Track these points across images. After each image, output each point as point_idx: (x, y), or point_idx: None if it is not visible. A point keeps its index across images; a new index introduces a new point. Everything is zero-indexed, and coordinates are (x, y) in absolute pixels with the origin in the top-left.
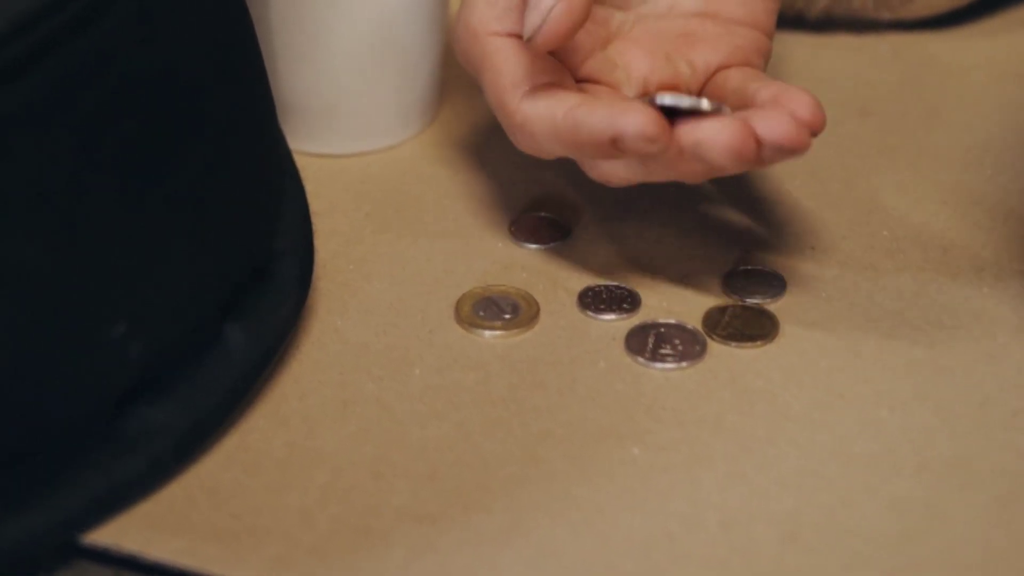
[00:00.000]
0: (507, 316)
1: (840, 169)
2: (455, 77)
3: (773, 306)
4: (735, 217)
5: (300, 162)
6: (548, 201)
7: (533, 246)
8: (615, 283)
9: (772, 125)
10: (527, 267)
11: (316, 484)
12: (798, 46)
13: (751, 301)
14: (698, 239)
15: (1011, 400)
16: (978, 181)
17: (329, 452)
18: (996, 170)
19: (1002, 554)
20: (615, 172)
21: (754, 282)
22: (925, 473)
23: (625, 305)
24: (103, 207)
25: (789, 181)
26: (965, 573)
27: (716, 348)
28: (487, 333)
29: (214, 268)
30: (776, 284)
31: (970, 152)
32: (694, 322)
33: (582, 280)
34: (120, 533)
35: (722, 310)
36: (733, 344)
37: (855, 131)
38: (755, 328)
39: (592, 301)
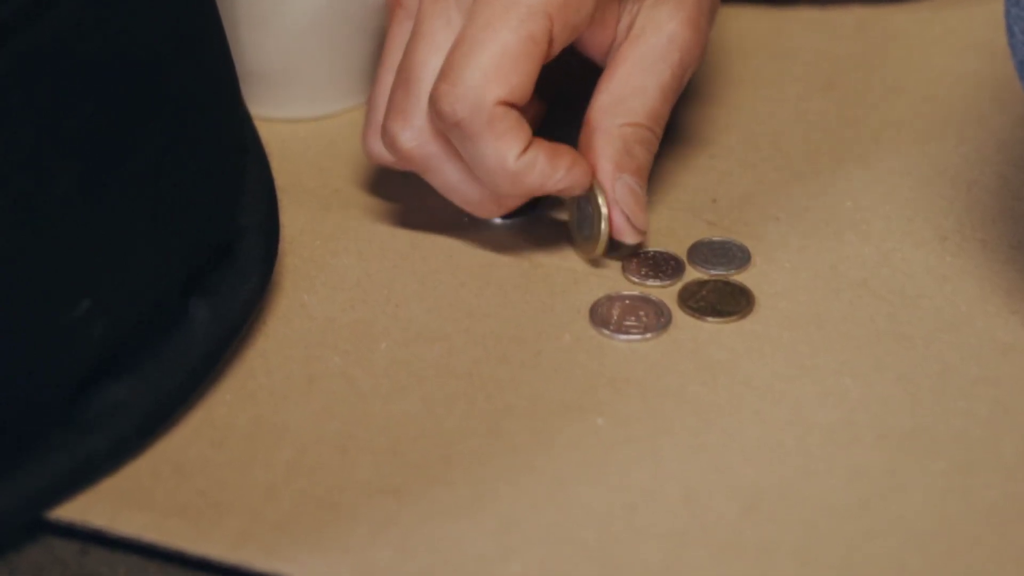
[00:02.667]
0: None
1: (804, 141)
2: None
3: (738, 277)
4: (700, 189)
5: (264, 133)
6: None
7: (498, 220)
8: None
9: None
10: (492, 241)
11: (281, 459)
12: (762, 20)
13: (715, 272)
14: (664, 211)
15: (971, 369)
16: (941, 152)
17: (294, 427)
18: (959, 141)
19: (961, 522)
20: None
21: (718, 254)
22: (885, 442)
23: (592, 279)
24: (64, 189)
25: (754, 153)
26: (924, 541)
27: (681, 320)
28: None
29: (178, 246)
30: (741, 256)
31: (933, 124)
32: (668, 295)
33: (550, 254)
34: (86, 509)
35: (701, 284)
36: (709, 319)
37: (819, 104)
38: (730, 304)
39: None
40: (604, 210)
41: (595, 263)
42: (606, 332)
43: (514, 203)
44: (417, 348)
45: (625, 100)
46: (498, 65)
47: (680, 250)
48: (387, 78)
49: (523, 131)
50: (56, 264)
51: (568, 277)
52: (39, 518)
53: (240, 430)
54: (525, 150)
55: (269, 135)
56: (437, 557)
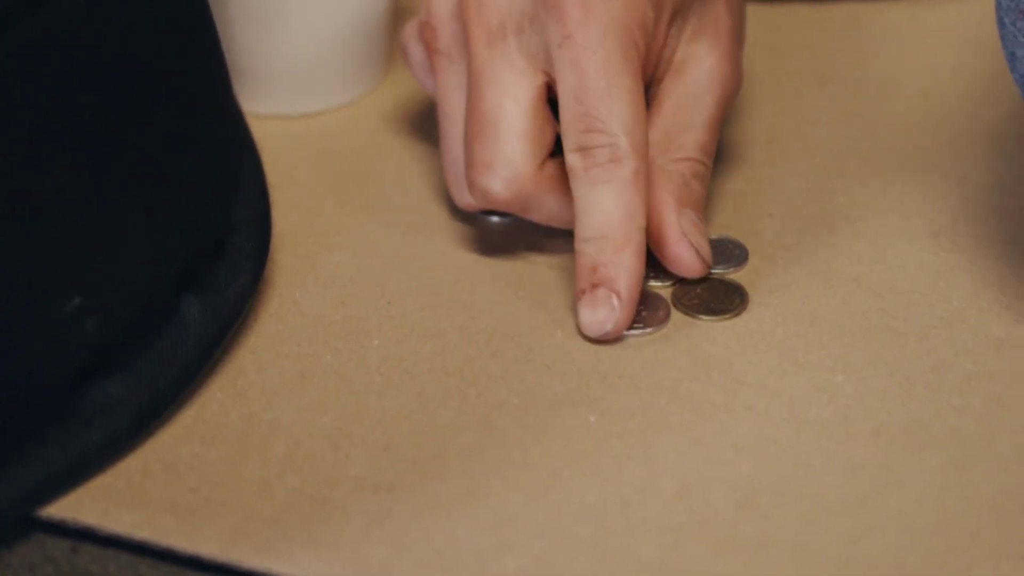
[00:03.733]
0: None
1: (798, 137)
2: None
3: (735, 275)
4: None
5: (257, 130)
6: None
7: (495, 219)
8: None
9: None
10: (485, 238)
11: (274, 455)
12: (756, 16)
13: (714, 271)
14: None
15: (965, 364)
16: (935, 147)
17: (287, 423)
18: (953, 136)
19: (957, 516)
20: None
21: (716, 252)
22: (880, 438)
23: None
24: (58, 183)
25: (748, 149)
26: (921, 536)
27: (675, 315)
28: None
29: (170, 241)
30: (739, 254)
31: (927, 119)
32: (663, 292)
33: (542, 251)
34: (77, 506)
35: (696, 281)
36: (703, 317)
37: (814, 100)
38: (723, 302)
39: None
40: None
41: None
42: None
43: None
44: (410, 345)
45: (676, 137)
46: (636, 109)
47: None
48: (452, 129)
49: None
50: (48, 259)
51: (561, 274)
52: (30, 515)
53: (232, 427)
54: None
55: (262, 132)
56: (431, 552)
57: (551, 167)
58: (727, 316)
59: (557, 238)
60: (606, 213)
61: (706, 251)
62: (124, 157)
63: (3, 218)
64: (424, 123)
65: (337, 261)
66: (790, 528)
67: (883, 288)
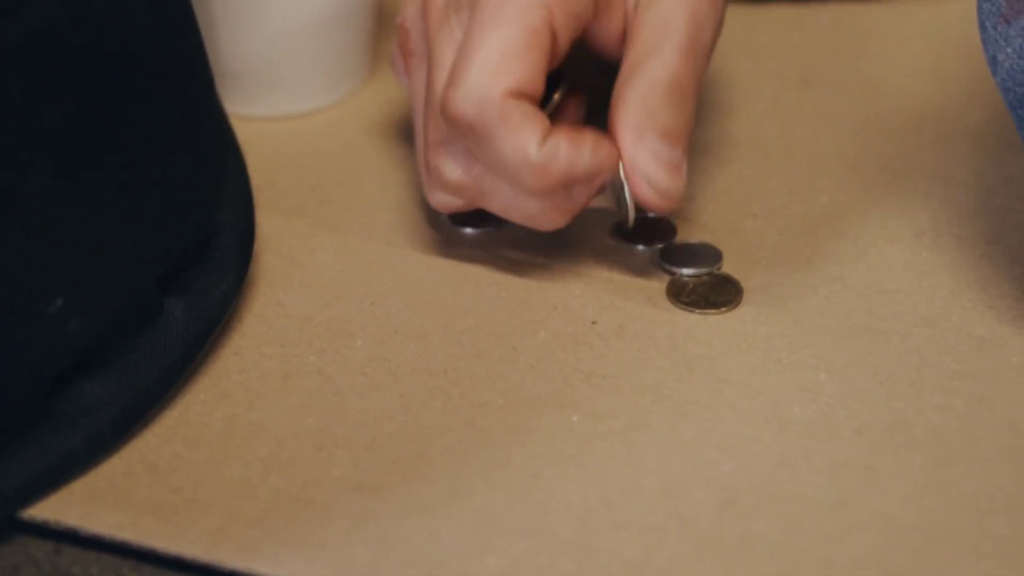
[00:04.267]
0: None
1: (781, 138)
2: (384, 35)
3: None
4: None
5: (240, 132)
6: None
7: (469, 230)
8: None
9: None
10: (468, 239)
11: (257, 456)
12: (737, 17)
13: (687, 272)
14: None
15: (948, 363)
16: (917, 148)
17: (270, 424)
18: (935, 137)
19: (940, 515)
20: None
21: (688, 255)
22: (862, 437)
23: (568, 275)
24: (40, 184)
25: (730, 150)
26: (903, 535)
27: (659, 314)
28: None
29: (153, 242)
30: (711, 257)
31: (909, 120)
32: (655, 292)
33: (525, 251)
34: (60, 507)
35: (689, 277)
36: (697, 311)
37: (795, 101)
38: (721, 295)
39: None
40: (624, 181)
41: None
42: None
43: (569, 204)
44: (393, 345)
45: (639, 64)
46: (500, 58)
47: (652, 251)
48: (422, 127)
49: (539, 120)
50: (31, 260)
51: (544, 273)
52: (12, 517)
53: (215, 428)
54: (545, 139)
55: (245, 133)
56: (414, 553)
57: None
58: (726, 308)
59: (540, 239)
60: (514, 168)
61: (664, 184)
62: (107, 158)
63: None
64: (407, 125)
65: (321, 262)
66: (773, 527)
67: (866, 287)
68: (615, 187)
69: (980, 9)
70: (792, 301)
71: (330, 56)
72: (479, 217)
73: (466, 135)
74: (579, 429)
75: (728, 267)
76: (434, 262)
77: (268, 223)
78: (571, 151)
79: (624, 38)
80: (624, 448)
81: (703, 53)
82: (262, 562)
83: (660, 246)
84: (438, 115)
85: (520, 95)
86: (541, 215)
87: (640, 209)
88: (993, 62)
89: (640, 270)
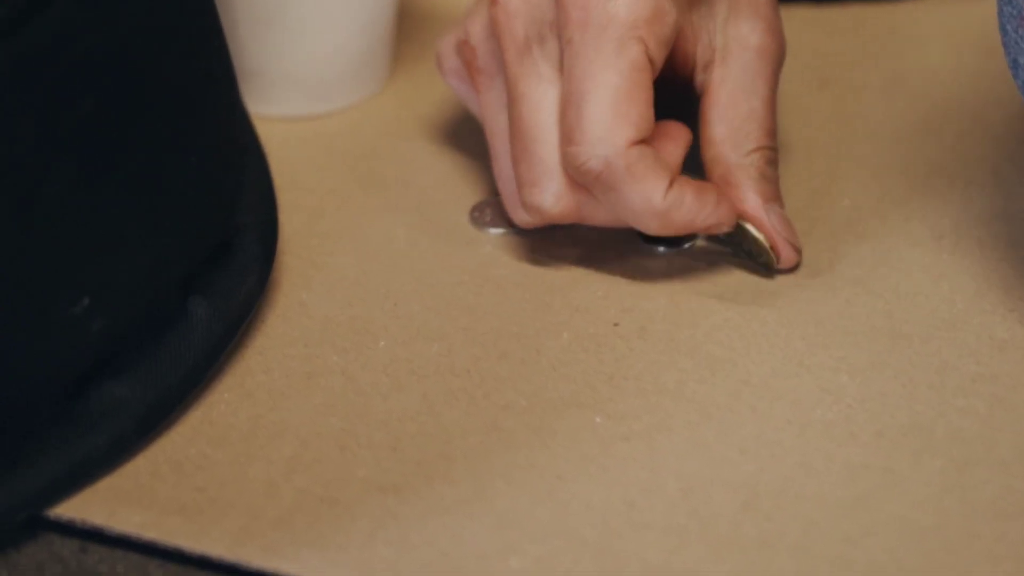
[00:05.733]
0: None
1: (801, 139)
2: (405, 35)
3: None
4: None
5: (262, 132)
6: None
7: (495, 231)
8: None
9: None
10: (490, 239)
11: (281, 456)
12: None
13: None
14: None
15: (969, 366)
16: (937, 150)
17: (294, 424)
18: (955, 139)
19: (959, 518)
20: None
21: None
22: (883, 439)
23: (591, 277)
24: (63, 185)
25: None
26: (922, 537)
27: (680, 315)
28: None
29: (176, 243)
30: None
31: (930, 122)
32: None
33: (548, 253)
34: (86, 506)
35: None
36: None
37: (815, 102)
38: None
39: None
40: (761, 238)
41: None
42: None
43: (678, 220)
44: (416, 346)
45: (741, 128)
46: (614, 109)
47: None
48: (501, 148)
49: (663, 168)
50: (55, 262)
51: (566, 275)
52: (39, 516)
53: (239, 428)
54: (670, 187)
55: (267, 134)
56: (437, 553)
57: None
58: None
59: (561, 239)
60: (637, 214)
61: (798, 241)
62: (129, 160)
63: (10, 221)
64: (428, 125)
65: (343, 263)
66: (793, 529)
67: (887, 290)
68: (741, 247)
69: (1001, 12)
70: (813, 304)
71: (352, 57)
72: (504, 217)
73: (592, 186)
74: (601, 430)
75: (748, 270)
76: (456, 263)
77: (290, 224)
78: (696, 203)
79: (690, 66)
80: (646, 449)
81: (776, 81)
82: (285, 562)
83: (686, 246)
84: (534, 151)
85: (640, 141)
86: (634, 230)
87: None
88: (1014, 65)
89: (663, 272)
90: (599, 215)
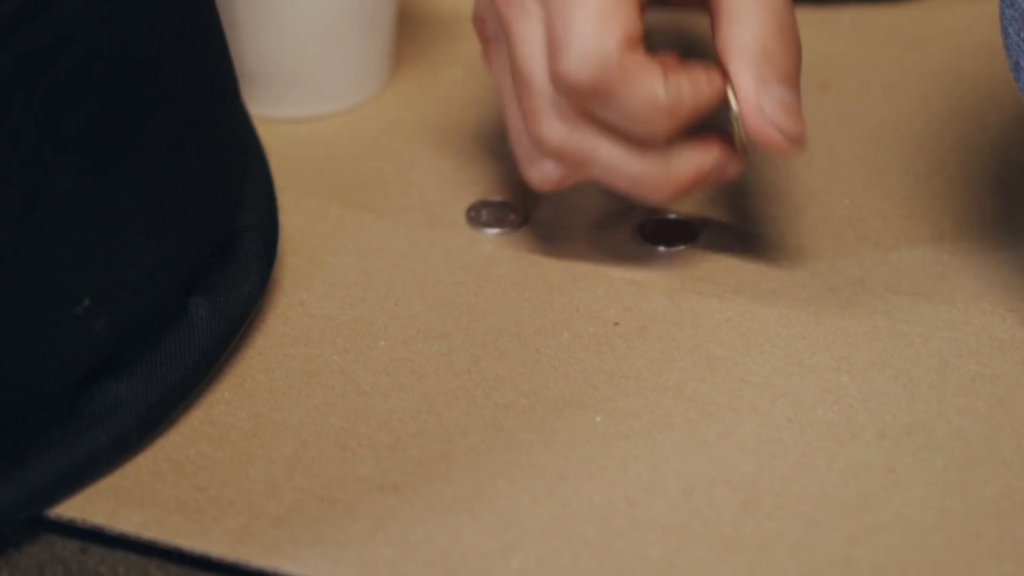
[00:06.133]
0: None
1: None
2: (406, 36)
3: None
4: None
5: (263, 133)
6: (503, 185)
7: (492, 231)
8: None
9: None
10: (490, 239)
11: (281, 456)
12: None
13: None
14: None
15: (970, 366)
16: (938, 151)
17: (294, 424)
18: (956, 140)
19: (960, 517)
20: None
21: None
22: (884, 439)
23: (591, 276)
24: (66, 185)
25: (750, 152)
26: (923, 537)
27: (681, 314)
28: None
29: (178, 243)
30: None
31: (930, 123)
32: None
33: (547, 253)
34: (86, 506)
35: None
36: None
37: (816, 103)
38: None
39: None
40: (734, 108)
41: None
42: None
43: (684, 166)
44: (416, 345)
45: (746, 16)
46: (601, 12)
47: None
48: (511, 108)
49: (655, 64)
50: (57, 261)
51: (566, 275)
52: (39, 516)
53: (240, 427)
54: (667, 81)
55: (268, 135)
56: (437, 553)
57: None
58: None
59: (562, 241)
60: (643, 117)
61: (794, 128)
62: (131, 160)
63: (12, 221)
64: (429, 126)
65: (343, 263)
66: (794, 528)
67: (887, 290)
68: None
69: (1003, 15)
70: (814, 303)
71: (352, 58)
72: (501, 217)
73: (587, 98)
74: (602, 429)
75: (748, 268)
76: (456, 263)
77: (291, 224)
78: (692, 87)
79: None
80: (647, 449)
81: None
82: (286, 561)
83: (682, 247)
84: (530, 85)
85: (631, 42)
86: (647, 180)
87: (663, 211)
88: (1016, 68)
89: (662, 272)
90: (600, 159)
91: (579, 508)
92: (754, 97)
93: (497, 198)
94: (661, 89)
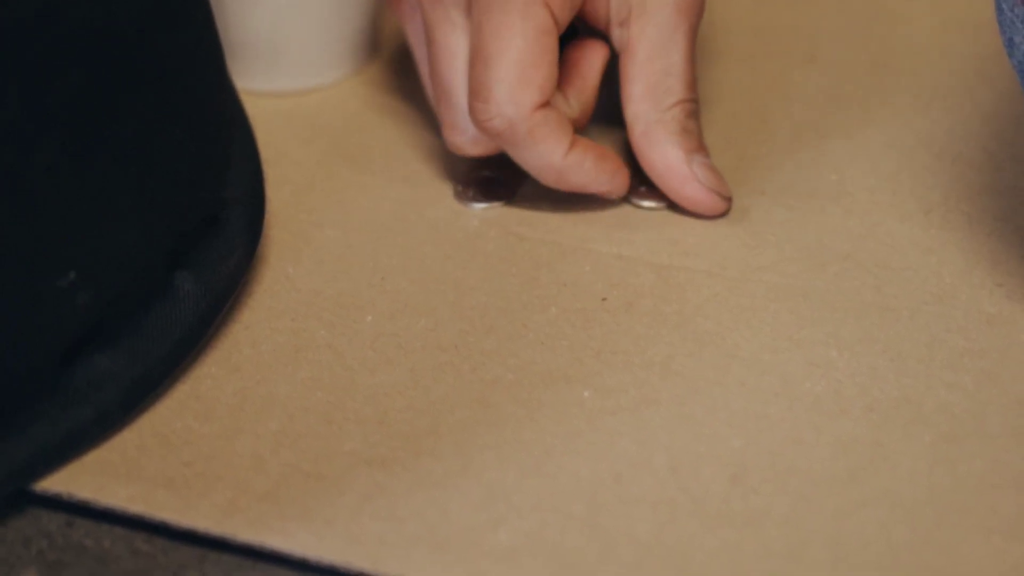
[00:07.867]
0: None
1: (787, 116)
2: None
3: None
4: None
5: (249, 107)
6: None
7: (479, 206)
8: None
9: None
10: (477, 214)
11: (268, 430)
12: None
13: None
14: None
15: (957, 340)
16: (925, 125)
17: (281, 398)
18: (943, 114)
19: (946, 492)
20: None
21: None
22: (872, 413)
23: (578, 252)
24: (48, 159)
25: (737, 128)
26: (911, 511)
27: (668, 292)
28: None
29: (163, 217)
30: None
31: (917, 98)
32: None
33: (535, 227)
34: (72, 480)
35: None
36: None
37: (802, 79)
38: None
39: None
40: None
41: None
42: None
43: (574, 178)
44: (403, 320)
45: (660, 83)
46: (520, 74)
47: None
48: (427, 76)
49: (564, 131)
50: (40, 234)
51: (554, 250)
52: (24, 490)
53: (226, 402)
54: (571, 149)
55: (255, 108)
56: (424, 527)
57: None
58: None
59: (550, 216)
60: (536, 170)
61: (724, 189)
62: (115, 133)
63: None
64: (415, 100)
65: (330, 237)
66: (782, 503)
67: (875, 265)
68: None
69: (1001, 14)
70: (802, 278)
71: (338, 32)
72: (488, 192)
73: (495, 141)
74: (589, 404)
75: (736, 243)
76: (443, 238)
77: (277, 198)
78: (594, 169)
79: (606, 19)
80: (634, 424)
81: (695, 34)
82: (272, 535)
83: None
84: (451, 98)
85: (544, 104)
86: (537, 175)
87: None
88: (1010, 44)
89: (650, 247)
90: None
91: (566, 483)
92: (685, 169)
93: (484, 172)
94: (558, 156)
